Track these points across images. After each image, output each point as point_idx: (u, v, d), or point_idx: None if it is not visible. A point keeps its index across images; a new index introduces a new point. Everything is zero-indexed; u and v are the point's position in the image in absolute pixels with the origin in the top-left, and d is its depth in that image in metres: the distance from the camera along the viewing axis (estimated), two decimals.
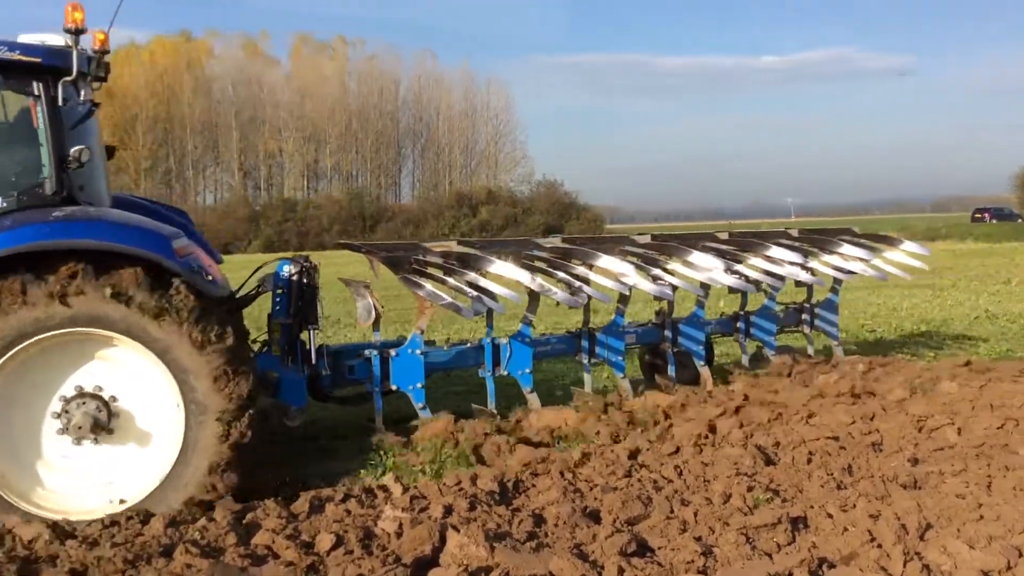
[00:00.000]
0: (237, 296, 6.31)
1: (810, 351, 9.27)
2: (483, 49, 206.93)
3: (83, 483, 5.21)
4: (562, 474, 5.59)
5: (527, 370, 7.22)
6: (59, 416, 5.13)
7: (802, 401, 7.25)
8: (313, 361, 6.53)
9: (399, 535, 4.49)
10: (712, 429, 6.59)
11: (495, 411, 7.02)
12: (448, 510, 4.81)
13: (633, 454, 6.02)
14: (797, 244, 8.75)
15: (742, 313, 8.81)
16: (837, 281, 9.28)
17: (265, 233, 62.34)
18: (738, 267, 8.05)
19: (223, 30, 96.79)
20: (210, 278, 5.42)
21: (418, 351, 6.76)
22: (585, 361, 7.75)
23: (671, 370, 8.15)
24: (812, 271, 8.63)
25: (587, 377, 7.77)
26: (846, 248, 8.89)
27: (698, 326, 8.34)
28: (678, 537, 4.44)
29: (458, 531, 4.35)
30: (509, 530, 4.58)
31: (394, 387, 6.76)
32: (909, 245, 9.47)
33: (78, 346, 5.14)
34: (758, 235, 8.85)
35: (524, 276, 6.89)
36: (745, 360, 8.82)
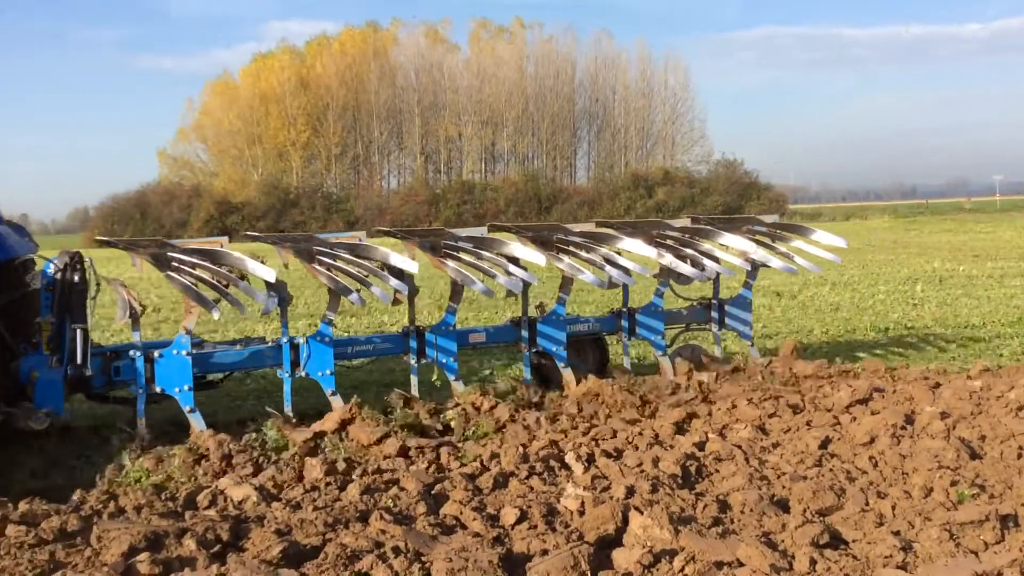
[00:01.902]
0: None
1: (716, 352, 8.41)
2: (659, 27, 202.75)
3: None
4: (747, 460, 5.45)
5: (328, 371, 6.72)
6: None
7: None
8: (79, 361, 6.19)
9: (581, 513, 4.52)
10: (909, 420, 6.23)
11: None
12: (630, 491, 4.79)
13: (824, 443, 5.79)
14: (681, 235, 7.91)
15: (625, 309, 8.06)
16: (750, 275, 8.45)
17: (444, 215, 64.16)
18: (594, 258, 7.44)
19: (408, 19, 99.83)
20: None
21: (183, 352, 6.35)
22: (413, 362, 7.17)
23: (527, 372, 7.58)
24: (698, 263, 7.76)
25: (413, 379, 7.16)
26: (730, 238, 7.96)
27: (558, 325, 7.63)
28: (874, 530, 4.24)
29: (641, 512, 4.32)
30: (693, 514, 4.52)
31: (159, 389, 6.36)
32: (823, 235, 8.36)
33: None
34: (629, 225, 7.95)
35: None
36: (626, 362, 8.10)
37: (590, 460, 5.56)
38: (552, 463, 5.50)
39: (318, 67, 74.32)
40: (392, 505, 4.76)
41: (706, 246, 7.89)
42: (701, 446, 5.85)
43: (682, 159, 78.29)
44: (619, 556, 4.02)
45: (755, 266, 8.22)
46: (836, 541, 4.16)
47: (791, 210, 66.99)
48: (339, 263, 6.59)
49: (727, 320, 8.38)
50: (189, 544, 4.19)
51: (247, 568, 3.83)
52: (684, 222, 8.23)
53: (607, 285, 7.45)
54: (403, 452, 5.81)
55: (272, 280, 6.32)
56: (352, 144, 75.85)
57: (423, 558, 3.93)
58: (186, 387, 6.33)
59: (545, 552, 4.02)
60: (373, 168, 77.81)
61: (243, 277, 6.39)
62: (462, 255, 7.05)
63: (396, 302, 7.02)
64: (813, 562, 3.84)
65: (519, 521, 4.45)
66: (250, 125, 72.53)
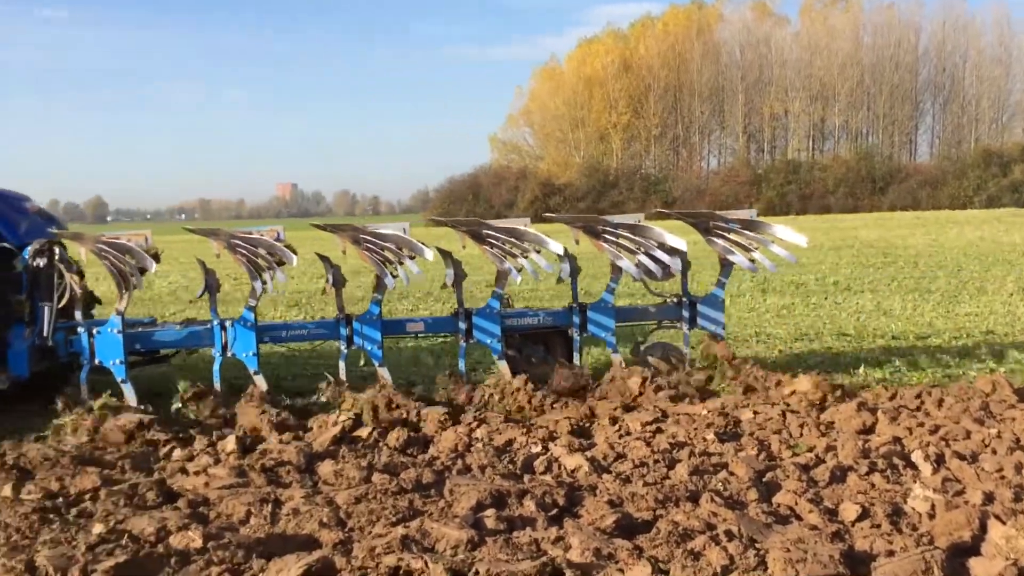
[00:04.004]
0: None
1: (685, 351, 7.71)
2: None
3: None
4: None
5: (251, 352, 7.23)
6: None
7: None
8: (44, 334, 7.10)
9: (931, 516, 4.19)
10: None
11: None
12: (989, 497, 4.37)
13: None
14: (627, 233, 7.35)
15: (575, 305, 7.62)
16: (724, 273, 7.79)
17: (767, 196, 62.15)
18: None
19: None
20: None
21: (115, 330, 7.10)
22: (343, 348, 7.44)
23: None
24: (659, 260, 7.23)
25: (341, 364, 7.42)
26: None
27: (492, 318, 7.43)
28: None
29: (1003, 522, 3.92)
30: None
31: (97, 361, 7.09)
32: (781, 230, 7.42)
33: None
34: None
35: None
36: (576, 359, 7.58)
37: (939, 461, 5.13)
38: (896, 460, 5.15)
39: (641, 49, 74.81)
40: (722, 489, 4.71)
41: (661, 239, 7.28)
42: None
43: None
44: (976, 566, 3.67)
45: (728, 264, 7.68)
46: None
47: None
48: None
49: (699, 319, 7.78)
50: (529, 505, 4.44)
51: (583, 534, 3.97)
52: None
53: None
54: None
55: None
56: (672, 125, 75.62)
57: (757, 545, 3.85)
58: (118, 361, 7.10)
59: (891, 553, 3.78)
60: (693, 148, 77.10)
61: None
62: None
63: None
64: None
65: (860, 518, 4.22)
66: (574, 109, 74.73)
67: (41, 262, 7.20)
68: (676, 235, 7.21)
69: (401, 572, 3.66)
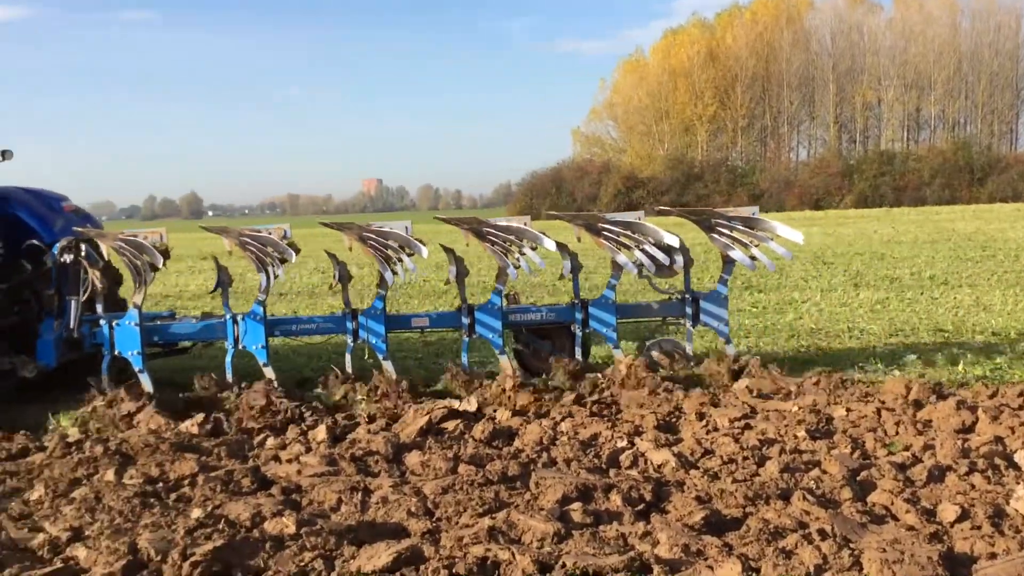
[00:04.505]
0: None
1: (688, 349, 7.76)
2: None
3: None
4: None
5: (260, 345, 7.56)
6: None
7: None
8: (71, 326, 7.55)
9: None
10: None
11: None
12: None
13: None
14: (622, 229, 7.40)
15: (577, 301, 7.75)
16: (726, 269, 7.68)
17: (859, 188, 60.37)
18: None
19: None
20: None
21: (133, 323, 7.50)
22: (349, 341, 7.69)
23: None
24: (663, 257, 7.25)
25: (348, 357, 7.66)
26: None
27: (494, 314, 7.64)
28: None
29: None
30: None
31: (117, 352, 7.52)
32: (780, 228, 7.32)
33: None
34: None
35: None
36: (578, 353, 7.72)
37: None
38: (997, 461, 4.95)
39: (728, 38, 73.46)
40: (814, 487, 4.61)
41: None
42: None
43: None
44: None
45: (730, 261, 7.58)
46: None
47: None
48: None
49: (702, 316, 7.75)
50: (615, 499, 4.42)
51: (671, 529, 3.94)
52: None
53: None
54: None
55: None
56: (759, 115, 74.08)
57: (851, 544, 3.75)
58: (135, 351, 7.49)
59: (992, 556, 3.65)
60: (781, 139, 75.41)
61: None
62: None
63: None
64: None
65: (960, 519, 4.07)
66: (658, 101, 73.88)
67: (68, 258, 7.65)
68: (675, 232, 7.33)
69: (488, 563, 3.69)
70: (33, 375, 7.49)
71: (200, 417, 6.50)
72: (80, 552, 4.02)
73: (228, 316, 7.66)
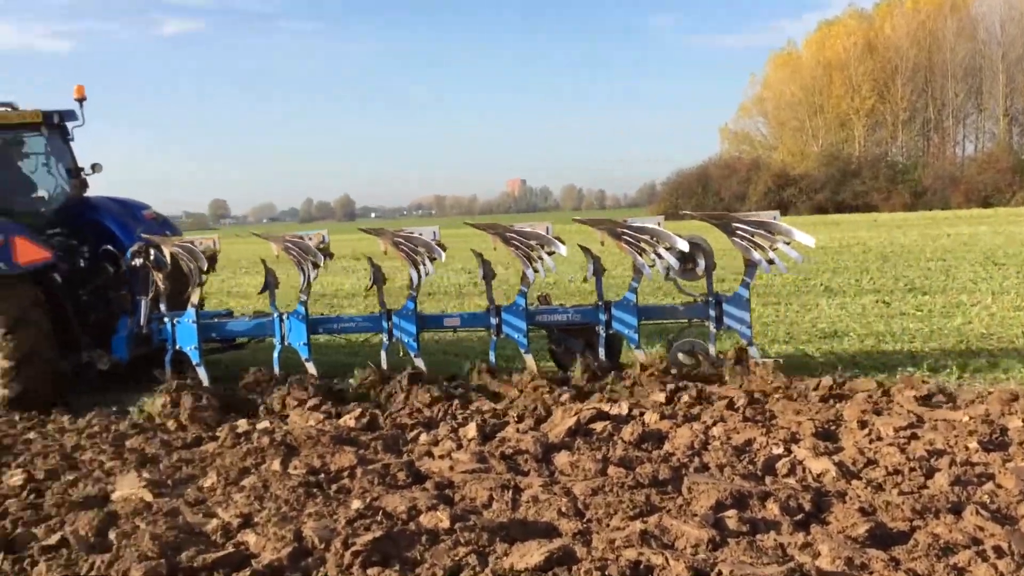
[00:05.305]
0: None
1: (711, 350, 7.81)
2: None
3: None
4: None
5: (303, 342, 8.22)
6: None
7: None
8: (141, 323, 8.43)
9: None
10: None
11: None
12: None
13: None
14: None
15: (601, 303, 8.04)
16: (748, 272, 7.76)
17: None
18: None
19: None
20: (1, 264, 7.73)
21: (191, 320, 8.29)
22: (385, 339, 8.24)
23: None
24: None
25: (383, 354, 8.19)
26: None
27: (519, 314, 8.07)
28: None
29: None
30: None
31: (177, 346, 8.32)
32: (797, 233, 7.38)
33: None
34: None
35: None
36: (602, 353, 8.00)
37: None
38: None
39: (887, 29, 70.05)
40: (988, 501, 4.33)
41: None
42: None
43: None
44: None
45: (752, 264, 7.63)
46: None
47: None
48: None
49: (724, 318, 7.84)
50: (772, 508, 4.29)
51: (833, 541, 3.79)
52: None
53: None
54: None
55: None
56: (922, 108, 70.22)
57: None
58: (193, 346, 8.29)
59: None
60: (945, 133, 71.22)
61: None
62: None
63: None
64: None
65: None
66: (812, 95, 71.27)
67: (138, 262, 8.51)
68: (701, 235, 7.79)
69: (641, 567, 3.66)
70: (106, 367, 8.39)
71: (357, 411, 6.77)
72: (250, 538, 4.24)
73: (275, 315, 8.32)
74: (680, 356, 7.83)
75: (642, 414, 6.37)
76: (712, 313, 7.85)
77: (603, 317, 7.97)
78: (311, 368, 8.13)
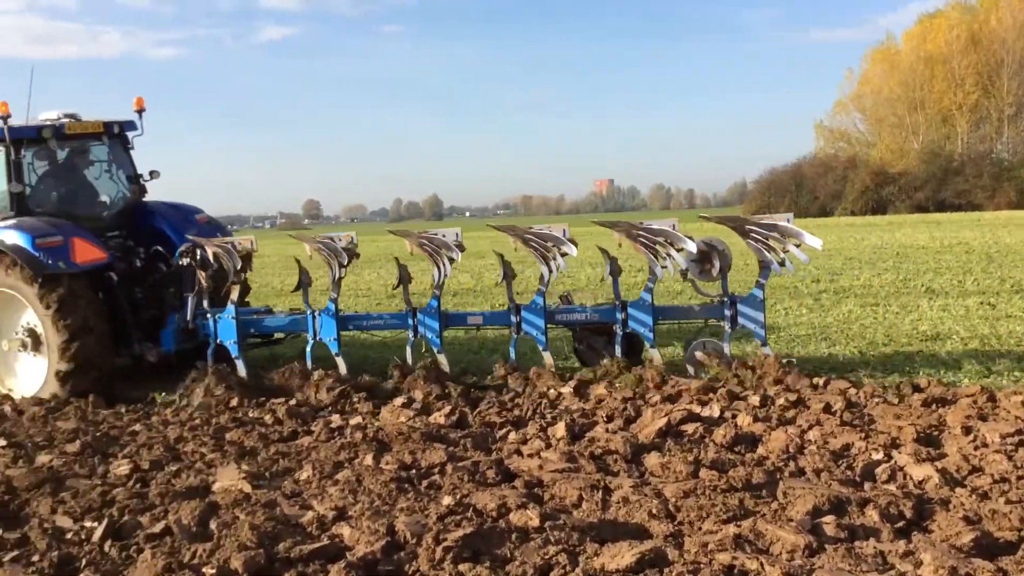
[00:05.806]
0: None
1: (726, 350, 7.92)
2: None
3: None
4: None
5: (333, 337, 8.58)
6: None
7: None
8: (187, 318, 8.96)
9: None
10: None
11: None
12: None
13: None
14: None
15: (618, 302, 8.24)
16: (762, 274, 7.86)
17: None
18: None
19: None
20: (60, 263, 8.34)
21: (230, 316, 8.79)
22: (411, 336, 8.51)
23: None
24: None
25: (408, 350, 8.50)
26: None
27: (538, 313, 8.23)
28: None
29: None
30: None
31: (219, 340, 8.85)
32: (807, 236, 7.61)
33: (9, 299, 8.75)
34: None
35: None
36: (618, 351, 8.09)
37: None
38: None
39: (992, 21, 67.15)
40: None
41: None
42: None
43: None
44: None
45: (766, 265, 7.75)
46: None
47: None
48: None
49: (739, 319, 7.93)
50: (872, 515, 4.16)
51: (936, 550, 3.65)
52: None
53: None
54: None
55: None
56: None
57: None
58: (232, 341, 8.78)
59: None
60: None
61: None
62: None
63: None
64: None
65: None
66: (911, 90, 68.85)
67: (185, 261, 9.09)
68: (718, 237, 8.01)
69: (736, 571, 3.60)
70: (155, 360, 9.00)
71: (447, 409, 6.85)
72: (344, 530, 4.33)
73: (308, 312, 8.70)
74: (698, 355, 7.96)
75: (735, 416, 6.26)
76: (727, 313, 7.97)
77: (620, 316, 8.14)
78: (341, 364, 8.50)
